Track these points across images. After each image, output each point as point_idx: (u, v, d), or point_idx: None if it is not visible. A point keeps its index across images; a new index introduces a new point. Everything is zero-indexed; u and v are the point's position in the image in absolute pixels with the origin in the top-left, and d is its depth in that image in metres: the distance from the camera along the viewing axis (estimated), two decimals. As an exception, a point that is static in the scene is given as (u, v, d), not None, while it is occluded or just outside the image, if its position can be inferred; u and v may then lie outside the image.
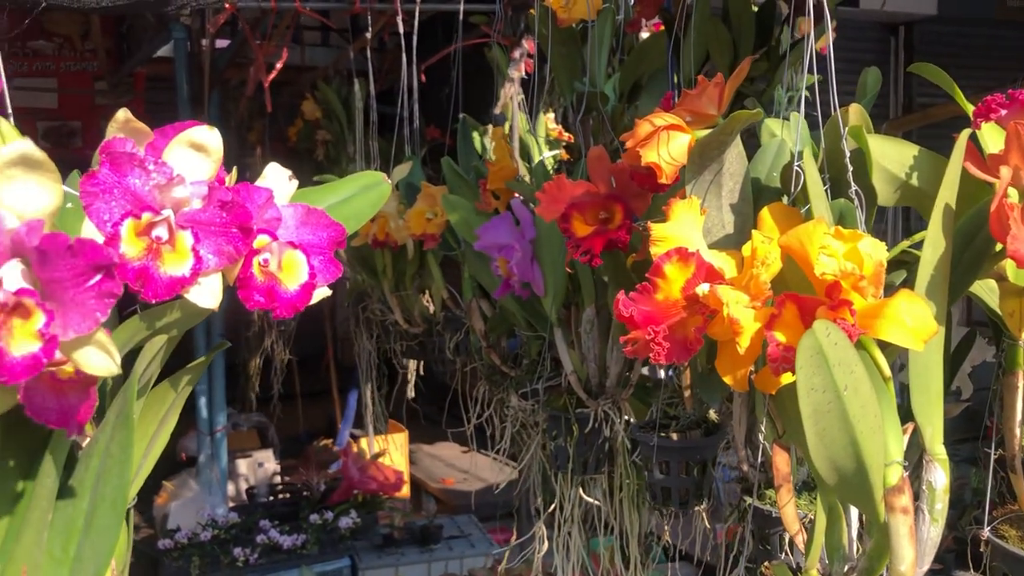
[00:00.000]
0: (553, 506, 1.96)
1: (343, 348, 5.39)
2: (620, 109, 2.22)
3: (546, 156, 2.50)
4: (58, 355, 0.58)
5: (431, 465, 5.24)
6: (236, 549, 3.62)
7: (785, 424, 1.06)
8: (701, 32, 1.92)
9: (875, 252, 0.86)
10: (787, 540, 1.18)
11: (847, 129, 1.04)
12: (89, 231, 0.64)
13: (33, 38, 4.91)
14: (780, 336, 0.87)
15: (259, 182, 0.76)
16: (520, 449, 2.24)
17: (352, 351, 4.00)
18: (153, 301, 0.67)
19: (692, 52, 1.97)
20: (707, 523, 1.49)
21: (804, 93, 2.15)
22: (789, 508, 1.07)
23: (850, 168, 1.00)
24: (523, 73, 2.99)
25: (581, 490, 1.79)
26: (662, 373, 1.88)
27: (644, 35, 2.42)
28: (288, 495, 4.18)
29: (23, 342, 0.57)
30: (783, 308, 0.87)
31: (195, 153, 0.70)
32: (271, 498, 4.23)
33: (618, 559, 1.84)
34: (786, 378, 0.91)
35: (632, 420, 1.71)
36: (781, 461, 1.07)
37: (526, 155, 2.84)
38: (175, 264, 0.66)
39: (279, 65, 3.31)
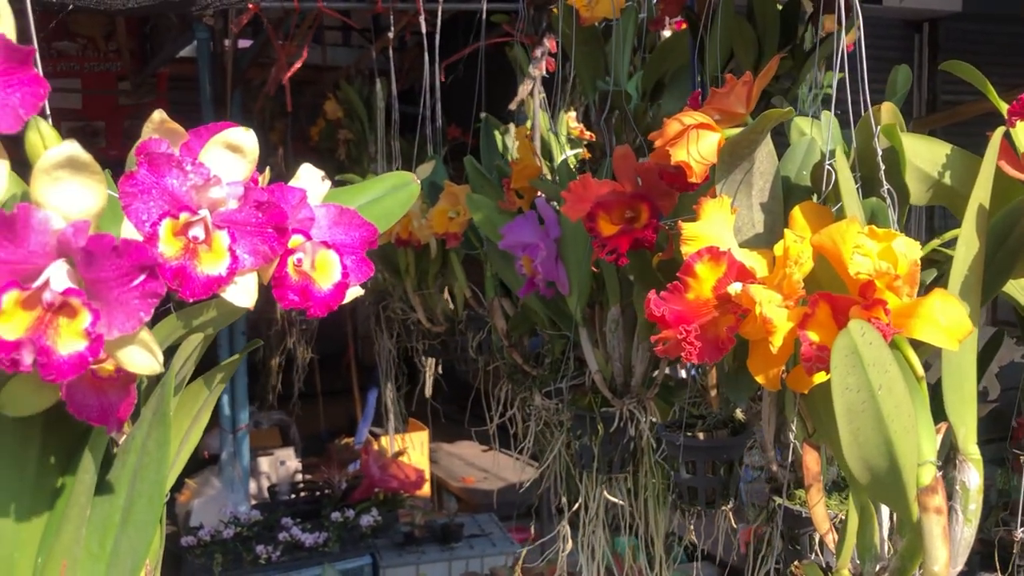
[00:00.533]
0: (576, 505, 1.96)
1: (364, 347, 5.41)
2: (643, 107, 2.22)
3: (567, 155, 2.50)
4: (101, 354, 0.59)
5: (451, 464, 5.24)
6: (259, 547, 3.64)
7: (815, 423, 1.06)
8: (725, 30, 1.91)
9: (909, 251, 0.85)
10: (817, 540, 1.18)
11: (879, 128, 1.03)
12: (128, 231, 0.64)
13: (58, 39, 4.95)
14: (813, 336, 0.86)
15: (292, 182, 0.76)
16: (542, 448, 2.24)
17: (372, 350, 4.01)
18: (190, 300, 0.68)
19: (716, 50, 1.97)
20: (733, 523, 1.48)
21: (831, 91, 2.13)
22: (819, 508, 1.07)
23: (883, 167, 0.99)
24: (544, 72, 2.99)
25: (605, 489, 1.79)
26: (683, 372, 1.88)
27: (665, 33, 2.42)
28: (309, 493, 4.19)
29: (70, 341, 0.58)
30: (816, 307, 0.87)
31: (231, 154, 0.70)
32: (293, 496, 4.25)
33: (641, 559, 1.84)
34: (818, 377, 0.90)
35: (656, 419, 1.71)
36: (811, 460, 1.07)
37: (547, 154, 2.84)
38: (212, 263, 0.66)
39: (297, 64, 3.32)
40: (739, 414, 1.49)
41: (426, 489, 4.54)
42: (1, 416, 0.66)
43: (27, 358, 0.56)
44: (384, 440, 4.43)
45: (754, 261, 0.98)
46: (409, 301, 2.86)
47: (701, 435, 1.45)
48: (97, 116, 5.18)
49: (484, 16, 2.57)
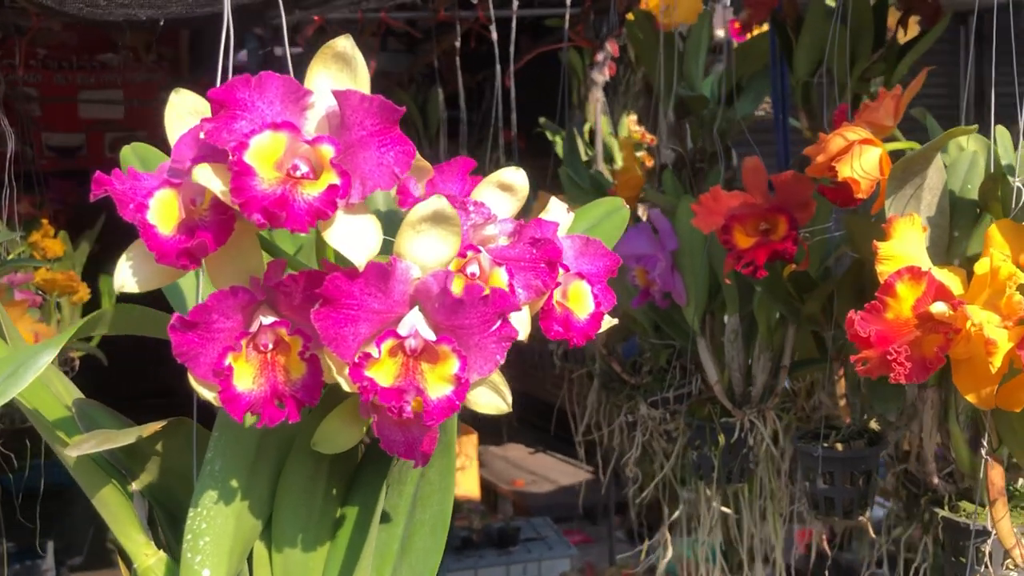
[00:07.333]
0: (677, 513, 1.96)
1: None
2: (719, 111, 2.22)
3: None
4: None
5: (500, 467, 5.25)
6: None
7: (1007, 438, 1.06)
8: (815, 32, 1.90)
9: None
10: (985, 553, 1.18)
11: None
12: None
13: (101, 51, 4.97)
14: (1034, 356, 0.86)
15: (543, 215, 0.77)
16: (604, 454, 2.27)
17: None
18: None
19: (806, 53, 1.97)
20: (871, 533, 1.49)
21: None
22: (1005, 522, 1.07)
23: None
24: (606, 76, 2.99)
25: (719, 499, 1.79)
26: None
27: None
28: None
29: (438, 385, 0.59)
30: (1036, 327, 0.87)
31: (502, 193, 0.71)
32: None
33: (758, 567, 1.85)
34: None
35: (777, 429, 1.72)
36: (996, 475, 1.07)
37: (609, 157, 2.85)
38: (491, 299, 0.67)
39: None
40: (873, 424, 1.49)
41: (476, 492, 4.55)
42: (298, 453, 0.67)
43: (409, 404, 0.57)
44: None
45: (949, 280, 0.98)
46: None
47: (839, 446, 1.45)
48: (139, 126, 5.21)
49: (567, 22, 2.57)
